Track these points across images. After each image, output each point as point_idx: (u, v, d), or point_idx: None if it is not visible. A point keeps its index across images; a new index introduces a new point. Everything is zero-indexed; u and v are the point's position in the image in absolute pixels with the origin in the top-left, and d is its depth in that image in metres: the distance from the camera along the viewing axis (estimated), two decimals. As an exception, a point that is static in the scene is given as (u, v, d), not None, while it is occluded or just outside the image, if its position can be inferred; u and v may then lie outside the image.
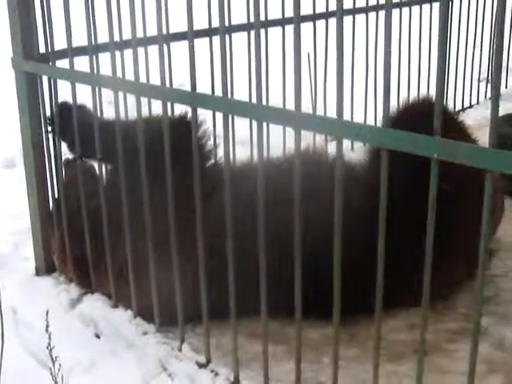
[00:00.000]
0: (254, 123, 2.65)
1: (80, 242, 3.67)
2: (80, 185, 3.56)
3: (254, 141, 4.59)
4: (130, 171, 3.23)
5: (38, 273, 4.05)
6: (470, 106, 6.94)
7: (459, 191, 3.21)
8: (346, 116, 2.40)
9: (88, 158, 3.65)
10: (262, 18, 4.58)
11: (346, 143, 2.96)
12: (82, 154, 3.58)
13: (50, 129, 3.78)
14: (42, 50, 3.69)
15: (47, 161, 3.84)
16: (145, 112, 3.31)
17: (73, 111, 3.49)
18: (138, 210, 3.22)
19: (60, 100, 3.65)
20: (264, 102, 2.65)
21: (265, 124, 2.68)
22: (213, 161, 3.54)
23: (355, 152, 5.28)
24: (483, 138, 3.32)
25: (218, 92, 2.94)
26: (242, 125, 4.53)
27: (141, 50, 3.12)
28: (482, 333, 2.29)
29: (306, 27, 4.22)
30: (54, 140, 3.77)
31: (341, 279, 2.47)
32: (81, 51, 3.52)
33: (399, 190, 2.99)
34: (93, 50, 3.36)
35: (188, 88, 2.86)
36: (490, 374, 2.97)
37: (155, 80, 3.07)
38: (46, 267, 4.02)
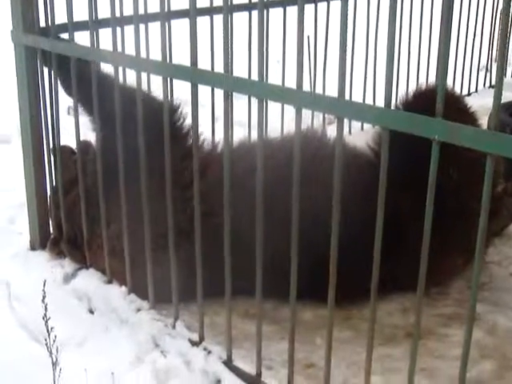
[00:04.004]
0: (254, 103, 2.64)
1: (73, 219, 3.69)
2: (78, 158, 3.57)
3: (252, 121, 4.58)
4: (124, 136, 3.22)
5: (32, 247, 4.05)
6: (469, 94, 6.93)
7: (462, 179, 3.21)
8: (346, 97, 2.39)
9: (83, 103, 3.59)
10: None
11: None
12: (78, 99, 3.54)
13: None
14: (43, 23, 3.67)
15: (45, 135, 3.82)
16: (144, 88, 3.29)
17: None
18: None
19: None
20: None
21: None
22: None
23: (352, 136, 5.29)
24: (482, 125, 3.33)
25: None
26: (239, 105, 4.53)
27: (141, 27, 3.10)
28: (475, 319, 2.29)
29: (307, 9, 4.21)
30: (51, 113, 3.75)
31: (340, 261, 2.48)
32: (81, 26, 3.49)
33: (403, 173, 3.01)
34: (94, 24, 3.34)
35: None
36: (482, 359, 2.98)
37: (155, 57, 3.06)
38: (40, 242, 4.01)
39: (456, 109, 3.24)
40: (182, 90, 3.52)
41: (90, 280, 3.62)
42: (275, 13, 4.88)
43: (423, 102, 2.98)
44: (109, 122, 3.26)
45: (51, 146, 3.81)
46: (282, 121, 5.09)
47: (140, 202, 3.18)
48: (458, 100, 3.58)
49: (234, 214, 2.83)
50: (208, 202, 3.04)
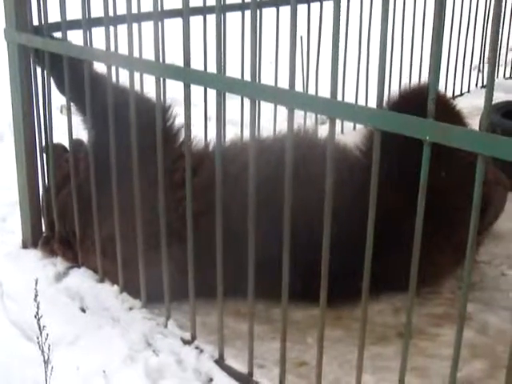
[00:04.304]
0: (246, 103, 2.65)
1: (65, 218, 3.69)
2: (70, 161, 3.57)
3: (244, 120, 4.58)
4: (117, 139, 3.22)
5: (24, 246, 4.05)
6: (461, 94, 6.96)
7: (453, 179, 3.22)
8: (339, 98, 2.40)
9: (76, 102, 3.59)
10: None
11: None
12: (70, 97, 3.54)
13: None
14: (36, 22, 3.67)
15: (37, 133, 3.82)
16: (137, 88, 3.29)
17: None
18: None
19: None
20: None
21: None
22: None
23: (345, 135, 5.30)
24: (474, 125, 3.33)
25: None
26: (231, 104, 4.53)
27: (134, 26, 3.10)
28: (466, 318, 2.30)
29: (300, 9, 4.23)
30: (44, 112, 3.75)
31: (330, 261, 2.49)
32: (75, 24, 3.49)
33: (393, 173, 3.02)
34: (87, 23, 3.34)
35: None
36: (473, 358, 3.00)
37: (148, 57, 3.06)
38: (32, 240, 4.01)
39: (443, 108, 3.25)
40: (174, 90, 3.52)
41: (82, 279, 3.62)
42: (268, 13, 4.88)
43: (410, 102, 3.00)
44: (101, 121, 3.27)
45: (43, 144, 3.82)
46: (274, 121, 5.10)
47: (131, 201, 3.18)
48: (444, 99, 3.58)
49: (226, 213, 2.83)
50: (200, 201, 3.04)
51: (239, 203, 2.89)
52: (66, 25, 3.42)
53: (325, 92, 2.48)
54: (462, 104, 3.65)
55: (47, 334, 2.68)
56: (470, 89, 7.19)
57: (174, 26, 3.91)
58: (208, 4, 4.45)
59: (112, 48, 3.17)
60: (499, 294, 3.52)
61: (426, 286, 3.41)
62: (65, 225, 3.72)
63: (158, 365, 2.98)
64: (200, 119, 4.40)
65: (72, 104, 3.54)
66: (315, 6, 5.30)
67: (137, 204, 3.17)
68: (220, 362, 2.98)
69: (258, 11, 4.67)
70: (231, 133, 4.46)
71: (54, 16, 3.53)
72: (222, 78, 2.69)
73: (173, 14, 4.04)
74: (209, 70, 2.90)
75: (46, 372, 2.71)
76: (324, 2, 5.32)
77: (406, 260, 2.33)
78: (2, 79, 4.39)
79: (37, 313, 2.66)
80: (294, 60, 2.40)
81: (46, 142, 3.79)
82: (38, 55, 3.65)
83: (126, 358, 3.05)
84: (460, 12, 6.71)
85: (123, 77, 3.22)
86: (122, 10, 3.10)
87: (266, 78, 4.43)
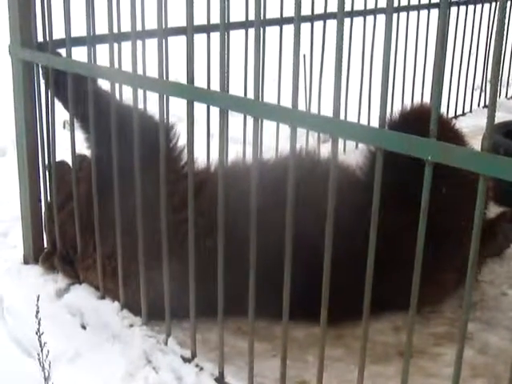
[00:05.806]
0: (249, 120, 2.65)
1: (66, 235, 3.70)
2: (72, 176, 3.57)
3: (247, 138, 4.59)
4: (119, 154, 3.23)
5: (26, 261, 4.04)
6: (463, 114, 6.97)
7: (454, 196, 3.23)
8: (341, 117, 2.41)
9: (79, 119, 3.60)
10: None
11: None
12: (74, 114, 3.54)
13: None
14: (41, 38, 3.68)
15: (40, 149, 3.83)
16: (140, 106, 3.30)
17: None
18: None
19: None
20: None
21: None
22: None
23: (347, 154, 5.31)
24: (476, 145, 3.34)
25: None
26: (234, 122, 4.55)
27: (138, 44, 3.12)
28: (467, 338, 2.30)
29: (304, 28, 4.25)
30: (47, 128, 3.75)
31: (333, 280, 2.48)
32: (79, 41, 3.51)
33: (395, 193, 3.02)
34: (91, 40, 3.35)
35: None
36: (473, 378, 2.99)
37: (151, 74, 3.07)
38: (33, 256, 4.01)
39: (442, 127, 3.26)
40: (176, 107, 3.53)
41: (82, 295, 3.61)
42: (272, 31, 4.90)
43: (412, 121, 3.01)
44: (103, 139, 3.27)
45: (47, 160, 3.82)
46: (277, 139, 5.11)
47: (130, 222, 3.20)
48: (443, 119, 3.60)
49: (227, 235, 2.84)
50: (199, 224, 3.02)
51: (240, 225, 2.88)
52: (70, 41, 3.43)
53: (327, 110, 2.48)
54: (464, 124, 3.68)
55: (48, 351, 2.68)
56: (473, 108, 7.21)
57: (177, 43, 3.93)
58: (212, 22, 4.47)
59: (116, 65, 3.18)
60: (500, 314, 3.52)
61: (428, 306, 3.41)
62: (65, 242, 3.72)
63: (158, 382, 2.97)
64: (202, 136, 4.41)
65: (76, 121, 3.55)
66: (318, 24, 5.33)
67: (139, 224, 3.17)
68: (220, 379, 2.97)
69: (262, 29, 4.69)
70: (233, 151, 4.47)
71: (58, 32, 3.55)
72: (225, 96, 2.70)
73: (177, 31, 4.05)
74: (212, 88, 2.90)
75: (45, 389, 2.71)
76: (327, 21, 5.34)
77: (408, 279, 2.33)
78: (5, 94, 4.41)
79: (38, 329, 2.65)
80: (297, 79, 2.41)
81: (49, 158, 3.79)
82: (43, 71, 3.66)
83: (126, 375, 3.04)
84: (463, 32, 6.73)
85: (127, 94, 3.23)
86: (126, 27, 3.11)
87: (269, 94, 4.46)
